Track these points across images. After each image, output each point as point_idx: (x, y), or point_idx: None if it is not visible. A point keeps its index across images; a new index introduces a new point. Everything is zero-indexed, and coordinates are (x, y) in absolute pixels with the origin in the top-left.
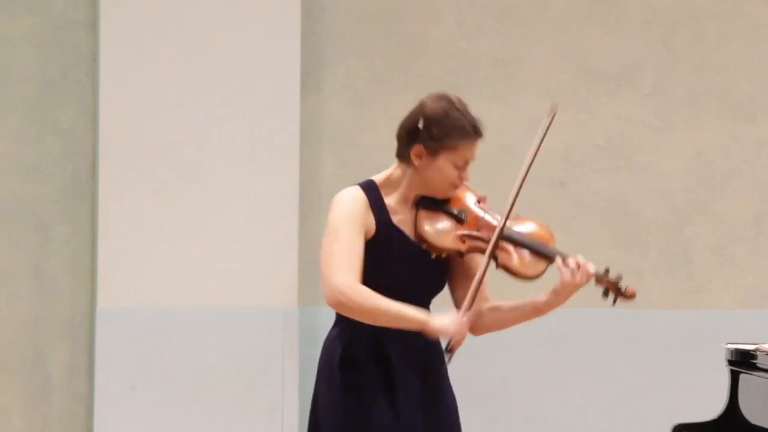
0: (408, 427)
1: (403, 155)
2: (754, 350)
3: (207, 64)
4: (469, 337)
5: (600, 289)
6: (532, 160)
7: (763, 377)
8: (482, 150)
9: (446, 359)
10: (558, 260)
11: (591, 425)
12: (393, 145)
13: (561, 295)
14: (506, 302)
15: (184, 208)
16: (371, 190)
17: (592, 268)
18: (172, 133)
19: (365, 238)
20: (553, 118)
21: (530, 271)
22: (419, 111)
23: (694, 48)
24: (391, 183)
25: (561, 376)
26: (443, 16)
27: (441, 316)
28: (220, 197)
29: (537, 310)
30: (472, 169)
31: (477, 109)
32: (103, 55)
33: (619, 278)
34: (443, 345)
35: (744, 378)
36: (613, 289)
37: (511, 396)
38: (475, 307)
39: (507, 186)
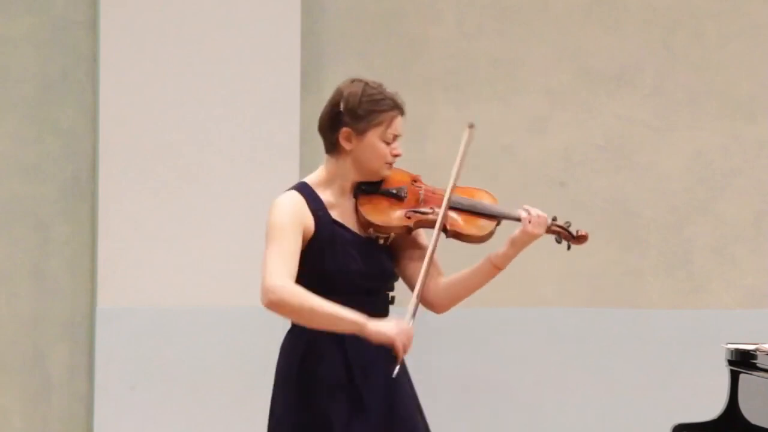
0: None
1: (331, 146)
2: (754, 350)
3: (207, 64)
4: (469, 337)
5: (553, 237)
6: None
7: (763, 377)
8: (482, 150)
9: (393, 368)
10: (521, 212)
11: (591, 425)
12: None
13: (518, 245)
14: (463, 271)
15: (184, 208)
16: (305, 190)
17: (543, 213)
18: (172, 133)
19: (305, 237)
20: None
21: (482, 232)
22: (337, 96)
23: (694, 48)
24: (323, 179)
25: (561, 376)
26: (443, 16)
27: (381, 321)
28: (220, 197)
29: (494, 267)
30: (473, 167)
31: (477, 109)
32: (103, 55)
33: (569, 224)
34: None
35: (744, 378)
36: (565, 234)
37: (511, 396)
38: (423, 292)
39: (507, 186)
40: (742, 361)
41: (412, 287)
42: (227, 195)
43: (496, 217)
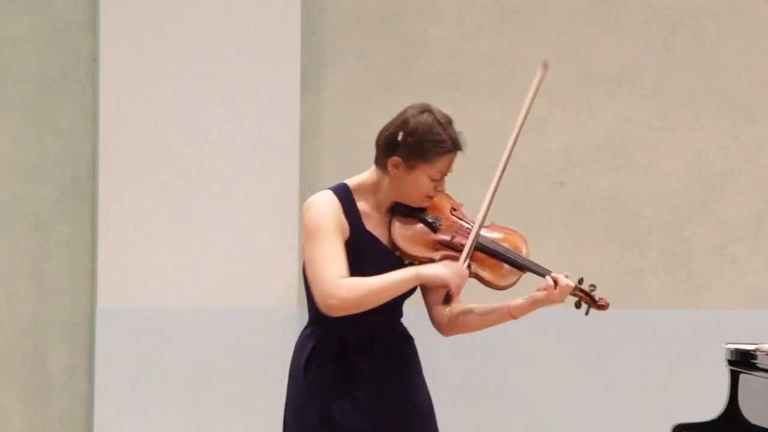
0: (374, 427)
1: (380, 162)
2: (754, 350)
3: (207, 64)
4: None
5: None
6: (504, 167)
7: (763, 377)
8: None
9: (445, 306)
10: (548, 279)
11: (591, 425)
12: None
13: (538, 305)
14: (480, 306)
15: (184, 208)
16: (344, 195)
17: (572, 283)
18: (172, 133)
19: (342, 239)
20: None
21: (502, 282)
22: (401, 124)
23: (694, 48)
24: (365, 188)
25: (561, 376)
26: (443, 16)
27: (435, 265)
28: (220, 197)
29: (510, 315)
30: (472, 168)
31: (477, 109)
32: (103, 55)
33: (593, 288)
34: (442, 296)
35: (744, 378)
36: (586, 299)
37: (511, 396)
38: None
39: (507, 186)
40: (742, 361)
41: (429, 311)
42: (227, 195)
43: (522, 270)
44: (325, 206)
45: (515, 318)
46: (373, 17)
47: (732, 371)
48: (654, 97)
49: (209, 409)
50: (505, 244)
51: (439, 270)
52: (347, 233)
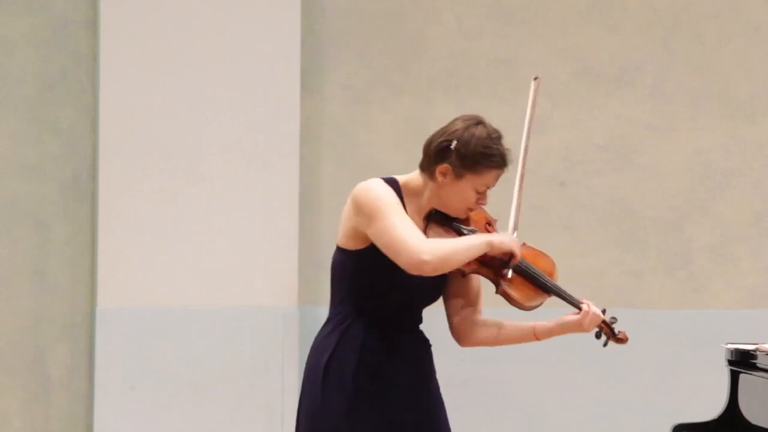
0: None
1: (427, 169)
2: (754, 350)
3: (207, 64)
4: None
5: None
6: (522, 177)
7: (763, 377)
8: None
9: (508, 273)
10: (584, 306)
11: (591, 425)
12: (393, 144)
13: (565, 330)
14: (507, 321)
15: (184, 208)
16: (395, 186)
17: (601, 314)
18: (172, 133)
19: None
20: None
21: (528, 303)
22: (455, 132)
23: (694, 48)
24: (411, 188)
25: (561, 376)
26: (443, 16)
27: (499, 235)
28: (220, 197)
29: (534, 336)
30: None
31: (477, 109)
32: (103, 55)
33: (614, 321)
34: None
35: (744, 378)
36: (607, 331)
37: (511, 396)
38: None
39: (507, 188)
40: (742, 361)
41: (449, 318)
42: (227, 195)
43: (550, 293)
44: (385, 187)
45: (538, 340)
46: (373, 17)
47: (732, 371)
48: (654, 97)
49: (209, 408)
50: (537, 267)
51: (505, 239)
52: None
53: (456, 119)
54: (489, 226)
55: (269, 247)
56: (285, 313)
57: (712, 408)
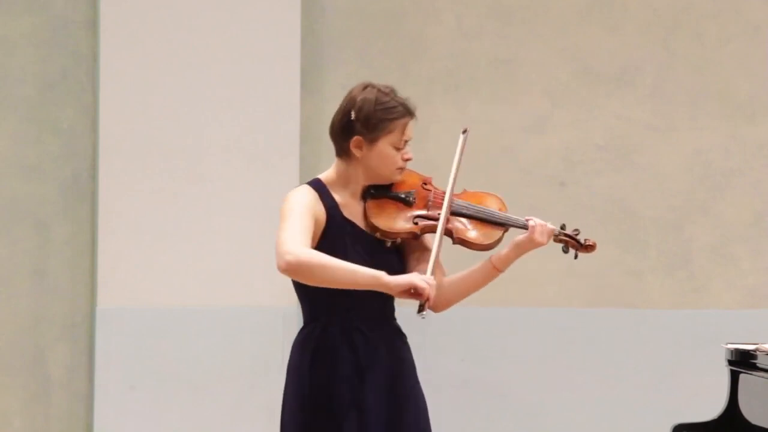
0: (374, 428)
1: (342, 151)
2: (754, 350)
3: (207, 64)
4: (469, 337)
5: (560, 247)
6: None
7: (763, 377)
8: (482, 150)
9: (422, 315)
10: (529, 222)
11: (591, 425)
12: None
13: (520, 249)
14: (467, 270)
15: (184, 208)
16: (319, 187)
17: (552, 226)
18: (172, 133)
19: (317, 231)
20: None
21: (487, 240)
22: (349, 104)
23: (694, 48)
24: (336, 180)
25: (561, 376)
26: (443, 16)
27: (396, 277)
28: (220, 197)
29: (494, 269)
30: (472, 168)
31: (477, 109)
32: (103, 55)
33: (577, 232)
34: (418, 307)
35: (744, 378)
36: (573, 243)
37: (511, 396)
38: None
39: (507, 186)
40: (742, 361)
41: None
42: (227, 195)
43: (503, 225)
44: (300, 194)
45: (501, 271)
46: (373, 17)
47: (732, 371)
48: (654, 97)
49: (209, 408)
50: (481, 205)
51: (402, 276)
52: (323, 222)
53: (348, 92)
54: (426, 185)
55: (269, 247)
56: (285, 313)
57: (712, 408)
